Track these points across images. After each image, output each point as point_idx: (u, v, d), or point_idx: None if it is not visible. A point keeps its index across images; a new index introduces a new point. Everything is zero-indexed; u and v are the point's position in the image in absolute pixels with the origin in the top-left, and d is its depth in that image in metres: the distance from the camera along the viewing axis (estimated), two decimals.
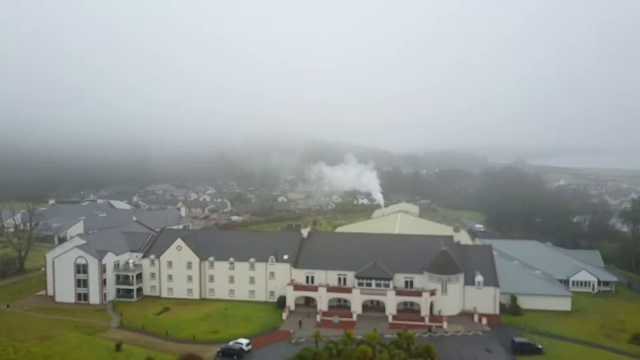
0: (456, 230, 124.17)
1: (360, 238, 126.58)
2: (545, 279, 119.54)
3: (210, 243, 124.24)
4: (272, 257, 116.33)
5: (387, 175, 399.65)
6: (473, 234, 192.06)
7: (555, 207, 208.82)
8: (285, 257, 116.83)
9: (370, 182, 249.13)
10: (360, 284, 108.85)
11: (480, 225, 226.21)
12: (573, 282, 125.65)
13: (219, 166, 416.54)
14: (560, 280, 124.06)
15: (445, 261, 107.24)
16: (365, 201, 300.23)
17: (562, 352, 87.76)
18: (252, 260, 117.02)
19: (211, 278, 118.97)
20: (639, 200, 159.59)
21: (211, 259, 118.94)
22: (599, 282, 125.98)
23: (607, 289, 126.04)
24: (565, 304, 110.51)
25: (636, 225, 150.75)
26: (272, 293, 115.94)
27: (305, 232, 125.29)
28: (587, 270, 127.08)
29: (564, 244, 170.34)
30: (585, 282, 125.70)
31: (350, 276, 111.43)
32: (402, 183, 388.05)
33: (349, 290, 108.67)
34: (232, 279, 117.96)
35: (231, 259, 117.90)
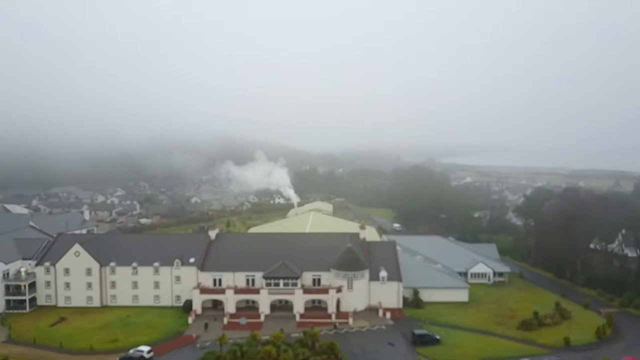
0: (362, 227, 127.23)
1: (269, 238, 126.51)
2: (446, 272, 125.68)
3: (112, 248, 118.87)
4: (177, 260, 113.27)
5: (304, 174, 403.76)
6: (382, 230, 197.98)
7: (459, 203, 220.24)
8: (192, 260, 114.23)
9: (280, 180, 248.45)
10: (268, 284, 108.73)
11: (397, 225, 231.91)
12: (471, 274, 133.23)
13: (127, 167, 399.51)
14: (460, 273, 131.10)
15: (351, 258, 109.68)
16: (282, 200, 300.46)
17: (457, 341, 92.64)
18: (156, 264, 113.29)
19: (113, 284, 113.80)
20: (530, 196, 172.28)
21: (112, 264, 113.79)
22: (495, 273, 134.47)
23: (502, 279, 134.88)
24: (463, 296, 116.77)
25: (527, 219, 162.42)
26: (178, 297, 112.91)
27: (213, 233, 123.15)
28: (484, 263, 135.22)
29: (465, 238, 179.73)
30: (482, 274, 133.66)
31: (258, 277, 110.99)
32: (318, 182, 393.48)
33: (256, 291, 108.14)
34: (135, 285, 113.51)
35: (134, 264, 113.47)
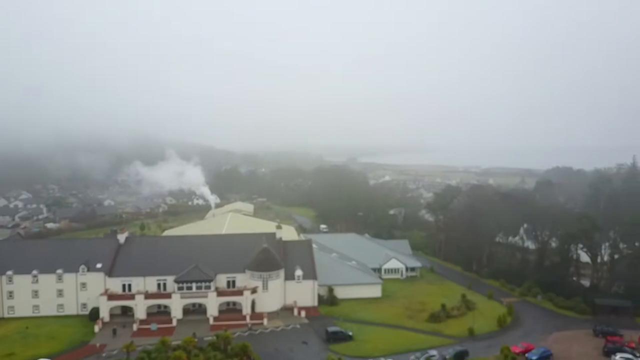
0: (279, 227, 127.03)
1: (182, 241, 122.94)
2: (360, 268, 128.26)
3: (10, 255, 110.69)
4: (83, 266, 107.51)
5: (224, 174, 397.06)
6: (302, 229, 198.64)
7: (376, 201, 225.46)
8: (99, 265, 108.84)
9: (194, 180, 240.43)
10: (180, 288, 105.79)
11: (324, 226, 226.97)
12: (385, 270, 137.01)
13: (28, 169, 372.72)
14: (374, 269, 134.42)
15: (266, 258, 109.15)
16: (200, 202, 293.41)
17: (369, 336, 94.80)
18: (59, 271, 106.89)
19: (10, 294, 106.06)
20: (440, 194, 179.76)
21: (9, 273, 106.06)
22: (407, 269, 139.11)
23: (414, 274, 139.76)
24: (376, 291, 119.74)
25: (438, 215, 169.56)
26: (84, 305, 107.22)
27: (122, 237, 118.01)
28: (397, 259, 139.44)
29: (381, 235, 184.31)
30: (395, 269, 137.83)
31: (170, 281, 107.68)
32: (240, 182, 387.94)
33: (168, 296, 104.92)
34: (36, 294, 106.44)
35: (34, 272, 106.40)
